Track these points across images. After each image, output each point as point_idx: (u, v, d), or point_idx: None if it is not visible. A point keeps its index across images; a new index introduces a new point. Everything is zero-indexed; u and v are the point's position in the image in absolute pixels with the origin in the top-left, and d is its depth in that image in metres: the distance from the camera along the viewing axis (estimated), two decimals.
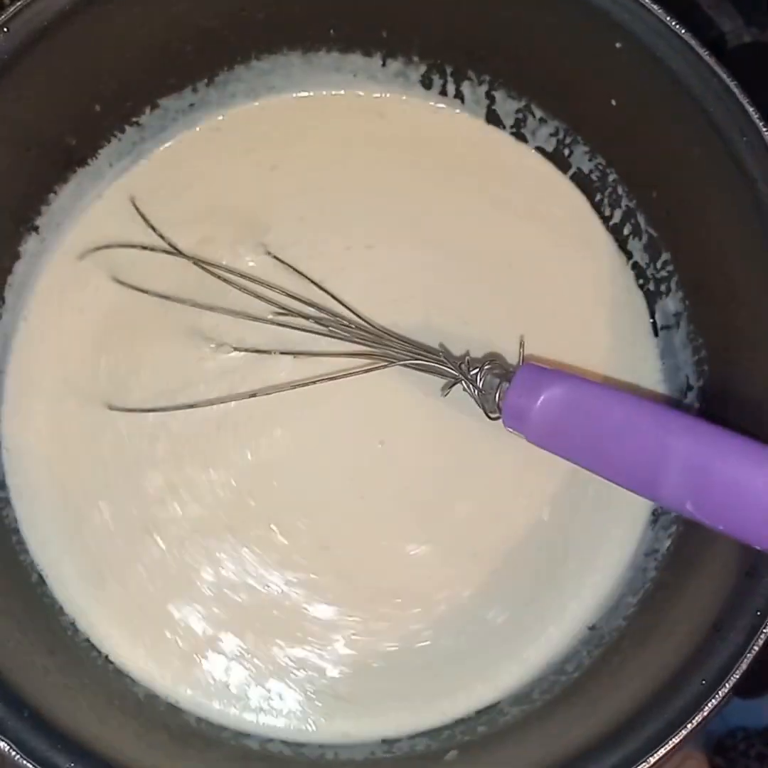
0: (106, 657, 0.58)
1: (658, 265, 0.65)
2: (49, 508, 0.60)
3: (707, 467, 0.49)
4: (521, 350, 0.61)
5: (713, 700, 0.47)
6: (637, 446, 0.51)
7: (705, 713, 0.47)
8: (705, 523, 0.50)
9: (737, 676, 0.47)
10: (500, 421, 0.57)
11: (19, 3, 0.53)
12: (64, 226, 0.64)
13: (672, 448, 0.50)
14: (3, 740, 0.45)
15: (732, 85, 0.54)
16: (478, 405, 0.58)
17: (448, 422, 0.62)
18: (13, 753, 0.45)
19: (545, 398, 0.54)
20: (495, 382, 0.57)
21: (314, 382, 0.61)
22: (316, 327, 0.61)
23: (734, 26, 0.76)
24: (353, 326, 0.61)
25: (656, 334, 0.66)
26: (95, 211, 0.65)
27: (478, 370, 0.58)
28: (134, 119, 0.65)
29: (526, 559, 0.61)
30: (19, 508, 0.60)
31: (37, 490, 0.61)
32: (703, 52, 0.55)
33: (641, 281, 0.67)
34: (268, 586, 0.60)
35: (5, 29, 0.53)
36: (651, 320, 0.66)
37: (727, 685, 0.47)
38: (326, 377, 0.60)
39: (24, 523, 0.60)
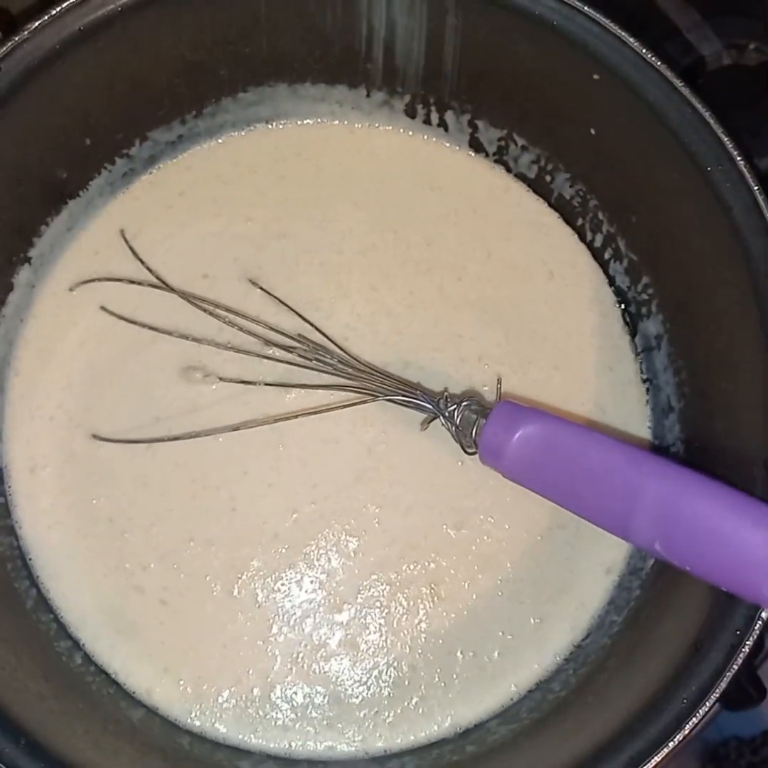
0: (101, 682, 0.59)
1: (639, 288, 0.66)
2: (64, 548, 0.62)
3: (677, 510, 0.50)
4: (499, 387, 0.62)
5: (694, 719, 0.48)
6: (609, 487, 0.52)
7: (686, 732, 0.48)
8: (674, 564, 0.50)
9: (717, 695, 0.48)
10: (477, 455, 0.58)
11: (10, 43, 0.55)
12: (56, 257, 0.66)
13: (643, 490, 0.51)
14: None
15: (707, 115, 0.56)
16: (455, 440, 0.59)
17: (431, 455, 0.63)
18: None
19: (520, 436, 0.55)
20: (472, 418, 0.58)
21: (297, 416, 0.62)
22: (302, 361, 0.62)
23: (713, 50, 0.77)
24: (338, 361, 0.62)
25: (638, 356, 0.67)
26: (86, 242, 0.67)
27: (455, 406, 0.59)
28: (124, 151, 0.66)
29: (513, 578, 0.62)
30: (27, 535, 0.62)
31: (51, 531, 0.62)
32: (679, 84, 0.56)
33: (623, 304, 0.68)
34: (261, 606, 0.61)
35: None
36: (632, 342, 0.67)
37: (707, 703, 0.48)
38: (309, 411, 0.62)
39: (30, 547, 0.62)
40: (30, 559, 0.62)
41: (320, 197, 0.68)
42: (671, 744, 0.48)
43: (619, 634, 0.60)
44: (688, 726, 0.48)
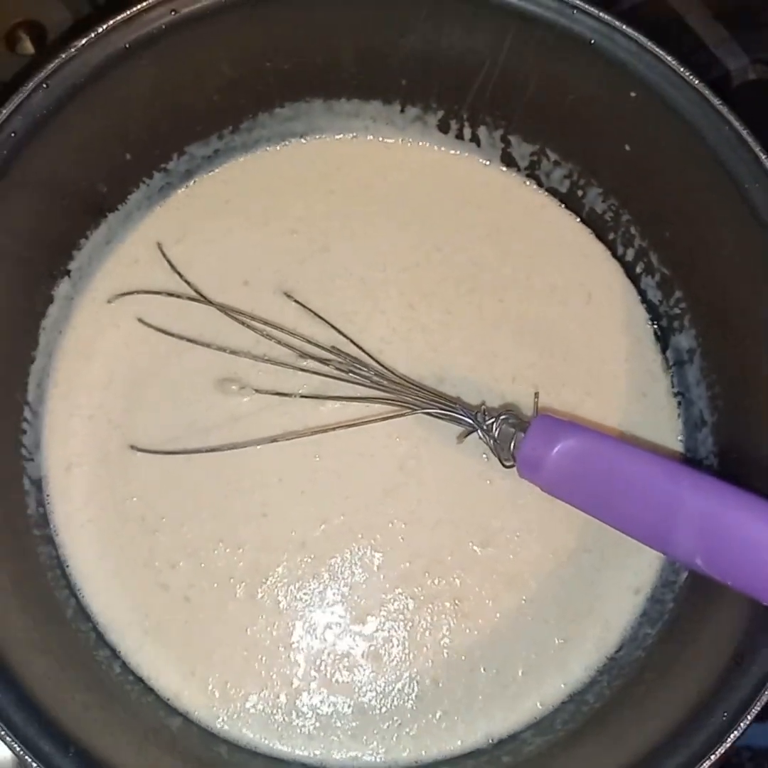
0: (140, 691, 0.60)
1: (672, 302, 0.67)
2: (95, 546, 0.63)
3: (718, 524, 0.50)
4: (536, 401, 0.63)
5: (736, 732, 0.48)
6: (649, 501, 0.53)
7: (727, 745, 0.48)
8: (714, 578, 0.51)
9: (758, 709, 0.49)
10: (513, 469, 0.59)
11: (57, 60, 0.55)
12: (95, 270, 0.67)
13: (683, 504, 0.51)
14: None
15: (744, 133, 0.57)
16: (493, 453, 0.59)
17: (460, 472, 0.64)
18: None
19: (559, 449, 0.55)
20: (510, 432, 0.58)
21: (334, 429, 0.62)
22: (338, 373, 0.62)
23: (739, 64, 0.77)
24: (374, 374, 0.62)
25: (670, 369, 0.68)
26: (125, 255, 0.67)
27: (493, 419, 0.59)
28: (162, 165, 0.67)
29: (537, 598, 0.63)
30: (67, 546, 0.63)
31: (83, 530, 0.63)
32: (717, 101, 0.57)
33: (654, 318, 0.69)
34: (283, 613, 0.62)
35: (45, 85, 0.55)
36: (665, 362, 0.68)
37: (748, 717, 0.48)
38: (346, 424, 0.62)
39: (68, 557, 0.62)
40: (67, 566, 0.62)
41: (366, 213, 0.69)
42: (712, 757, 0.48)
43: (653, 646, 0.61)
44: (729, 739, 0.48)
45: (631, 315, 0.69)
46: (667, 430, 0.67)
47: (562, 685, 0.62)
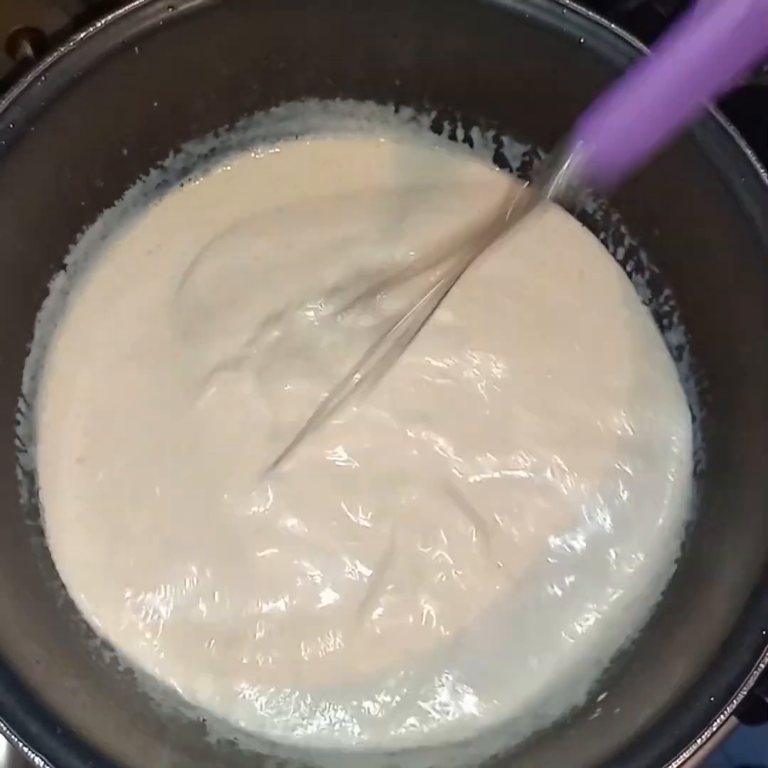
0: (129, 682, 0.60)
1: (661, 299, 0.67)
2: (84, 538, 0.63)
3: None
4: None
5: (722, 716, 0.48)
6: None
7: (713, 729, 0.48)
8: None
9: (745, 692, 0.49)
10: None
11: (55, 54, 0.56)
12: (90, 264, 0.67)
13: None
14: (38, 756, 0.47)
15: (730, 129, 0.58)
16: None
17: None
18: None
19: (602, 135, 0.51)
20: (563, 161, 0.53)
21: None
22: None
23: None
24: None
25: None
26: (120, 251, 0.68)
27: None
28: (159, 162, 0.68)
29: (534, 587, 0.63)
30: (57, 538, 0.63)
31: (73, 524, 0.63)
32: None
33: None
34: (286, 602, 0.62)
35: (43, 77, 0.56)
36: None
37: (735, 700, 0.49)
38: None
39: (56, 550, 0.62)
40: (56, 558, 0.62)
41: (371, 214, 0.69)
42: (699, 740, 0.48)
43: (641, 640, 0.61)
44: (716, 723, 0.48)
45: (645, 338, 0.69)
46: None
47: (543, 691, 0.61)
